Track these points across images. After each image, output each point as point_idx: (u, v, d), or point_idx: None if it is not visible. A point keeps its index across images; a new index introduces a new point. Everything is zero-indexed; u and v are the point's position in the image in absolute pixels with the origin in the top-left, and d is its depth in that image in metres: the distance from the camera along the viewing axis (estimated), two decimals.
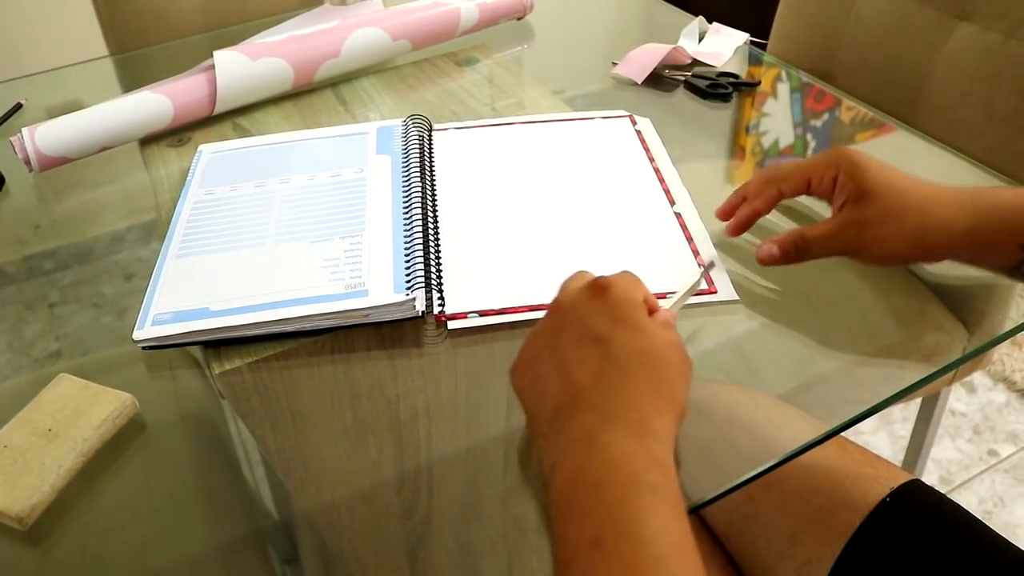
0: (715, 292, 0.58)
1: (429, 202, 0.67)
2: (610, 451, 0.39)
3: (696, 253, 0.61)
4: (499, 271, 0.61)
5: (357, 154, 0.72)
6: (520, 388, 0.47)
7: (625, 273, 0.48)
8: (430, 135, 0.76)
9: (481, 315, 0.57)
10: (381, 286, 0.57)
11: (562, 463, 0.40)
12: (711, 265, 0.58)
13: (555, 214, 0.66)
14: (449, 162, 0.72)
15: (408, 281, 0.57)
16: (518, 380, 0.47)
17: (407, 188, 0.67)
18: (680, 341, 0.46)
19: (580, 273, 0.49)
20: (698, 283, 0.55)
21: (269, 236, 0.64)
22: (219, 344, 0.56)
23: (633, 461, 0.39)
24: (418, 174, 0.69)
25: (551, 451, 0.42)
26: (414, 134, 0.74)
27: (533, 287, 0.59)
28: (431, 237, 0.63)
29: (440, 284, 0.59)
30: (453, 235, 0.64)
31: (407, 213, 0.64)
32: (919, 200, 0.53)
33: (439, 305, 0.57)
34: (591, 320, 0.44)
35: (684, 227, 0.64)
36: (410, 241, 0.61)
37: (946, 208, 0.53)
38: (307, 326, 0.56)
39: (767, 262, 0.56)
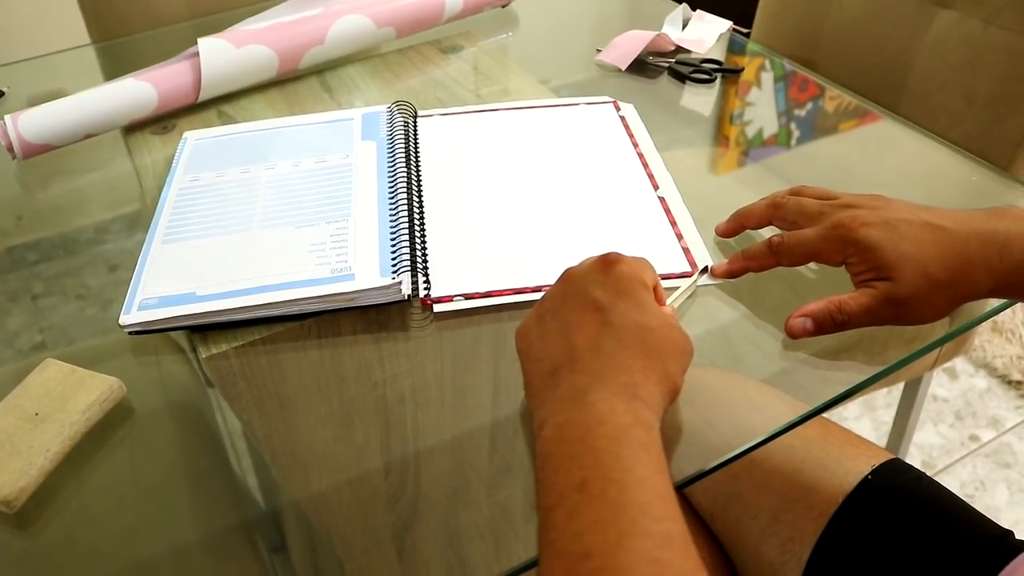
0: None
1: (414, 187, 0.67)
2: (599, 407, 0.40)
3: (680, 237, 0.62)
4: (483, 255, 0.61)
5: (342, 140, 0.72)
6: (522, 348, 0.48)
7: (638, 257, 0.50)
8: (415, 121, 0.76)
9: (466, 298, 0.57)
10: (367, 270, 0.57)
11: (551, 418, 0.42)
12: (705, 269, 0.59)
13: (540, 199, 0.66)
14: (434, 148, 0.73)
15: (394, 265, 0.57)
16: (521, 341, 0.49)
17: (392, 174, 0.67)
18: (680, 327, 0.47)
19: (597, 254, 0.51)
20: (695, 282, 0.57)
21: (255, 221, 0.63)
22: (205, 329, 0.56)
23: (620, 417, 0.40)
24: (403, 160, 0.69)
25: (542, 408, 0.43)
26: (399, 120, 0.74)
27: (517, 271, 0.59)
28: (416, 222, 0.63)
29: (426, 268, 0.59)
30: (438, 220, 0.64)
31: (392, 198, 0.64)
32: (943, 274, 0.49)
33: (424, 288, 0.57)
34: (595, 289, 0.46)
35: (668, 211, 0.64)
36: (396, 225, 0.61)
37: (973, 275, 0.50)
38: (294, 310, 0.56)
39: (799, 335, 0.52)
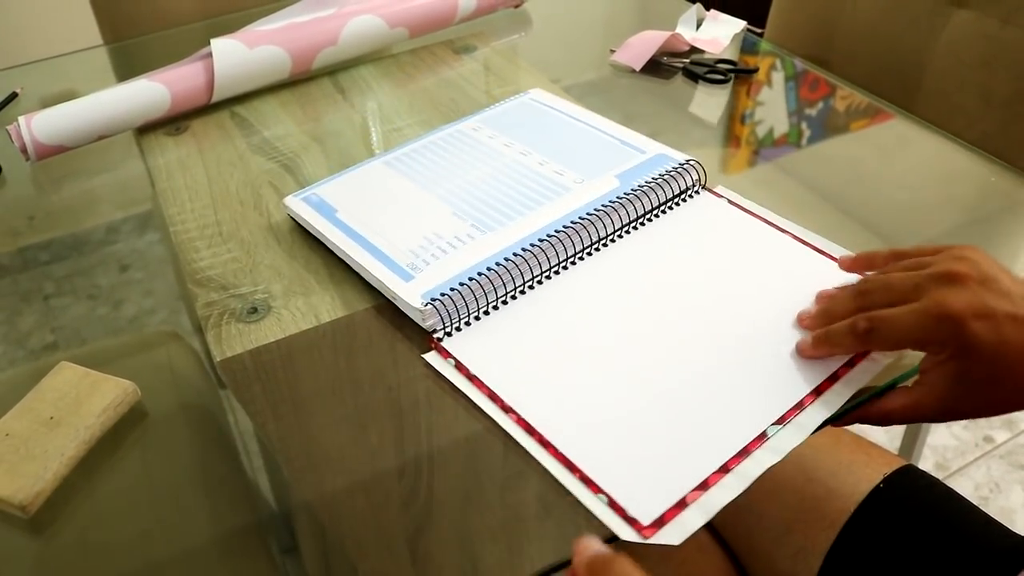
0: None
1: (552, 262, 0.58)
2: None
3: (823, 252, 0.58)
4: (539, 375, 0.52)
5: (599, 163, 0.65)
6: None
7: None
8: (687, 192, 0.64)
9: (467, 378, 0.52)
10: (422, 282, 0.55)
11: None
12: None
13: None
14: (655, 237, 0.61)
15: (439, 298, 0.54)
16: None
17: (560, 231, 0.58)
18: None
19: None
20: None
21: (444, 188, 0.65)
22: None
23: None
24: (591, 229, 0.59)
25: None
26: (668, 183, 0.63)
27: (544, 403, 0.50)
28: (511, 287, 0.56)
29: (461, 326, 0.55)
30: (533, 307, 0.55)
31: (524, 251, 0.57)
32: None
33: (437, 335, 0.54)
34: None
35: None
36: (486, 273, 0.56)
37: None
38: (366, 277, 0.59)
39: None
